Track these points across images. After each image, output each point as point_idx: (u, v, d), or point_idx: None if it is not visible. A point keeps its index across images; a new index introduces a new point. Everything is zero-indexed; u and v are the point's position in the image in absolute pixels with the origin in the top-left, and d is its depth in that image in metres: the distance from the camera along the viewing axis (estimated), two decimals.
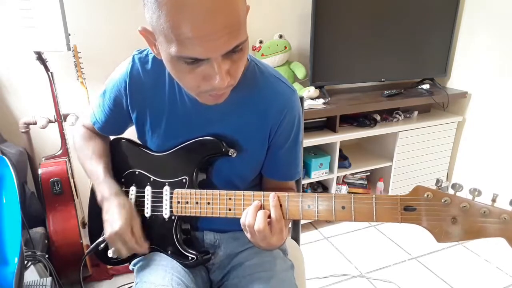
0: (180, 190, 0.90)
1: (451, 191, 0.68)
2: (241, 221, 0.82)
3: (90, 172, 0.97)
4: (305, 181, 2.28)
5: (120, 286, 1.83)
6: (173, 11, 0.61)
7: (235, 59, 0.70)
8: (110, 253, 0.95)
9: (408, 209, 0.71)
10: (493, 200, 0.65)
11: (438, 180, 0.68)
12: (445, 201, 0.68)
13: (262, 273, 0.92)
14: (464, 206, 0.66)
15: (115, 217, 0.87)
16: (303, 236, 2.29)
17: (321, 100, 2.19)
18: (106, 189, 0.92)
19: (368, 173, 2.58)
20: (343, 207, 0.76)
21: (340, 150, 2.32)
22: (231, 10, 0.63)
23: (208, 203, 0.86)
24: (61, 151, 1.74)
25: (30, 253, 1.41)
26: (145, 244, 0.91)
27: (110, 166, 0.99)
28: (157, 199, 0.93)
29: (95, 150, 1.00)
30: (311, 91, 2.20)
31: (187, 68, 0.69)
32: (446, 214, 0.68)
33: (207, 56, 0.66)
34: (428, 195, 0.69)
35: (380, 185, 2.52)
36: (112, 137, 1.07)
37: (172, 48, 0.65)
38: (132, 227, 0.88)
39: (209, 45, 0.64)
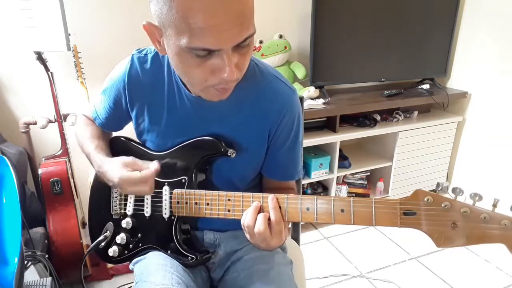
0: (179, 190, 0.90)
1: (451, 196, 0.68)
2: (241, 222, 0.82)
3: (87, 154, 0.98)
4: (305, 181, 2.28)
5: (120, 286, 1.83)
6: (187, 1, 0.62)
7: (243, 53, 0.71)
8: (110, 252, 0.95)
9: (408, 213, 0.71)
10: (494, 205, 0.65)
11: (438, 184, 0.68)
12: (445, 206, 0.67)
13: (261, 265, 0.92)
14: (465, 211, 0.66)
15: (112, 174, 0.86)
16: (303, 236, 2.29)
17: (321, 100, 2.19)
18: (96, 164, 0.93)
19: (368, 173, 2.58)
20: (342, 210, 0.75)
21: (340, 150, 2.32)
22: (243, 0, 0.64)
23: (207, 204, 0.87)
24: (61, 151, 1.73)
25: (30, 253, 1.41)
26: (152, 165, 0.86)
27: (104, 148, 0.99)
28: (156, 199, 0.93)
29: (92, 133, 1.01)
30: (311, 91, 2.20)
31: (196, 61, 0.69)
32: (446, 219, 0.68)
33: (219, 47, 0.66)
34: (428, 200, 0.69)
35: (380, 185, 2.52)
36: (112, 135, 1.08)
37: (183, 40, 0.65)
38: (129, 164, 0.86)
39: (222, 35, 0.64)
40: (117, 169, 0.85)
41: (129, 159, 0.88)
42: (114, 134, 1.08)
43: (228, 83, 0.73)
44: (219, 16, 0.62)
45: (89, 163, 0.99)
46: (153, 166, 0.85)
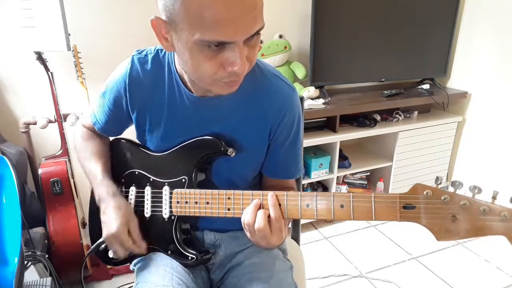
0: (179, 190, 0.90)
1: (450, 189, 0.68)
2: (242, 219, 0.82)
3: (88, 172, 0.98)
4: (305, 181, 2.28)
5: (120, 286, 1.83)
6: None
7: (252, 45, 0.71)
8: (110, 254, 0.95)
9: (407, 207, 0.71)
10: (493, 198, 0.64)
11: (437, 178, 0.68)
12: (445, 199, 0.67)
13: (262, 273, 0.92)
14: (464, 204, 0.66)
15: (112, 219, 0.88)
16: (303, 236, 2.29)
17: (321, 100, 2.19)
18: (103, 190, 0.92)
19: (368, 173, 2.58)
20: (342, 206, 0.75)
21: (340, 150, 2.32)
22: None
23: (207, 203, 0.86)
24: (61, 151, 1.73)
25: (30, 253, 1.41)
26: (143, 245, 0.91)
27: (109, 167, 0.99)
28: (156, 199, 0.93)
29: (94, 151, 1.00)
30: (311, 91, 2.20)
31: (208, 55, 0.68)
32: (446, 212, 0.68)
33: (233, 39, 0.66)
34: (427, 193, 0.69)
35: (380, 185, 2.52)
36: (111, 137, 1.07)
37: (196, 33, 0.65)
38: (129, 228, 0.89)
39: (237, 28, 0.65)
40: (119, 221, 0.88)
41: (135, 227, 0.91)
42: None
43: (238, 76, 0.73)
44: (234, 9, 0.63)
45: (88, 180, 0.99)
46: (144, 249, 0.92)
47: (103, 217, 0.90)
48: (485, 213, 0.65)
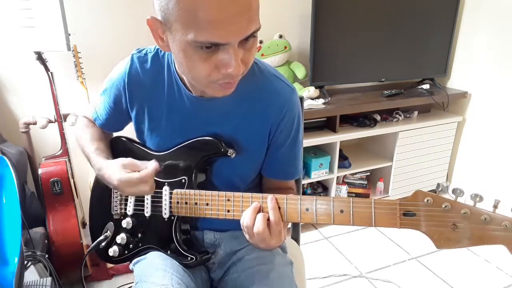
0: (179, 190, 0.90)
1: (451, 196, 0.67)
2: (241, 222, 0.82)
3: (87, 156, 0.98)
4: (305, 181, 2.28)
5: (120, 286, 1.83)
6: None
7: (248, 47, 0.71)
8: (111, 252, 0.96)
9: (408, 214, 0.70)
10: (495, 207, 0.64)
11: (438, 185, 0.67)
12: (446, 206, 0.67)
13: (262, 266, 0.92)
14: (465, 213, 0.65)
15: (111, 177, 0.86)
16: (303, 236, 2.29)
17: (321, 100, 2.19)
18: (99, 161, 0.92)
19: (368, 173, 2.58)
20: (341, 211, 0.75)
21: (340, 150, 2.32)
22: None
23: (207, 204, 0.87)
24: (61, 151, 1.73)
25: (30, 253, 1.41)
26: (150, 165, 0.85)
27: (104, 150, 0.99)
28: (156, 199, 0.93)
29: (92, 136, 1.01)
30: (311, 91, 2.20)
31: (202, 56, 0.68)
32: (446, 220, 0.67)
33: (227, 40, 0.66)
34: (428, 200, 0.68)
35: (380, 185, 2.52)
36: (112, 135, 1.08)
37: (190, 34, 0.65)
38: (127, 165, 0.86)
39: (230, 29, 0.64)
40: (116, 171, 0.85)
41: (127, 160, 0.87)
42: (115, 134, 1.08)
43: (233, 78, 0.73)
44: (228, 9, 0.62)
45: (89, 163, 0.99)
46: (152, 165, 0.84)
47: (105, 182, 0.89)
48: (486, 222, 0.64)
